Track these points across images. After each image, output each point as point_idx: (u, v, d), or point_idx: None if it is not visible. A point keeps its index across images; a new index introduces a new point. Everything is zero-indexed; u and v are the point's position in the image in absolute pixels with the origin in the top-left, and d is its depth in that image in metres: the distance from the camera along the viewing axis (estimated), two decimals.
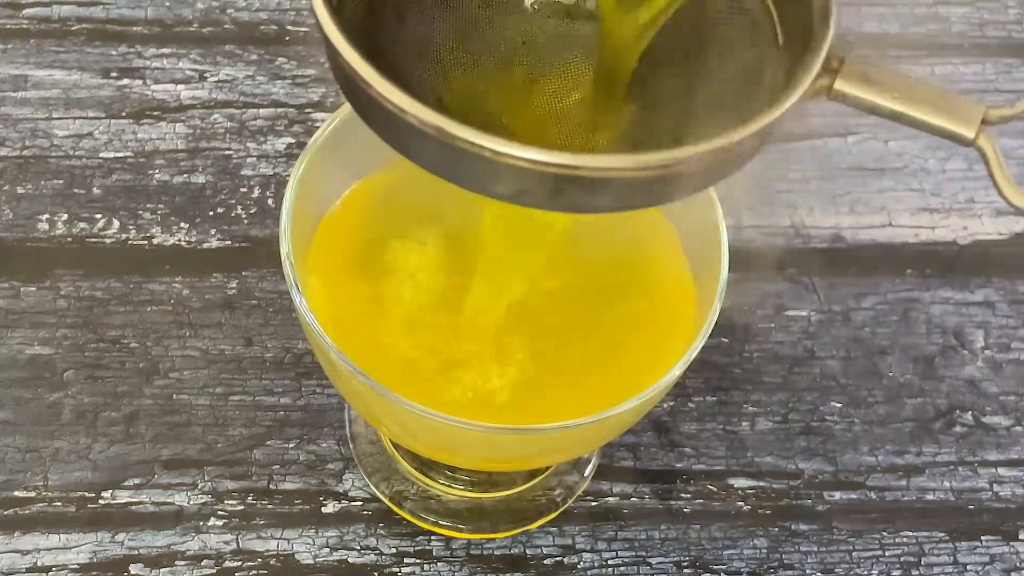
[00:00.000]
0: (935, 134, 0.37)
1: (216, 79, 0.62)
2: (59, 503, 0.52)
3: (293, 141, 0.61)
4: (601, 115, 0.40)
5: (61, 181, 0.59)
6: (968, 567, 0.53)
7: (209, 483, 0.53)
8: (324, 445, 0.54)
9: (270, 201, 0.59)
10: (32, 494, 0.52)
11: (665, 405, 0.56)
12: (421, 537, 0.53)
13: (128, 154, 0.60)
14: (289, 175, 0.47)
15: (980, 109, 0.37)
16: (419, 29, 0.40)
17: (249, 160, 0.60)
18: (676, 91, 0.40)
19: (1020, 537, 0.54)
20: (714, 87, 0.40)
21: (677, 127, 0.39)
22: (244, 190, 0.60)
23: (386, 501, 0.53)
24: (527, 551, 0.53)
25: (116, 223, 0.58)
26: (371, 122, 0.37)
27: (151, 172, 0.60)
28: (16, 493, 0.52)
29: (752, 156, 0.37)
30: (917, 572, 0.53)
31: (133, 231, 0.58)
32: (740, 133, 0.35)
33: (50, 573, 0.51)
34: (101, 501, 0.52)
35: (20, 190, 0.59)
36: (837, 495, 0.55)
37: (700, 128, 0.36)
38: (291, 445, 0.54)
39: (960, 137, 0.37)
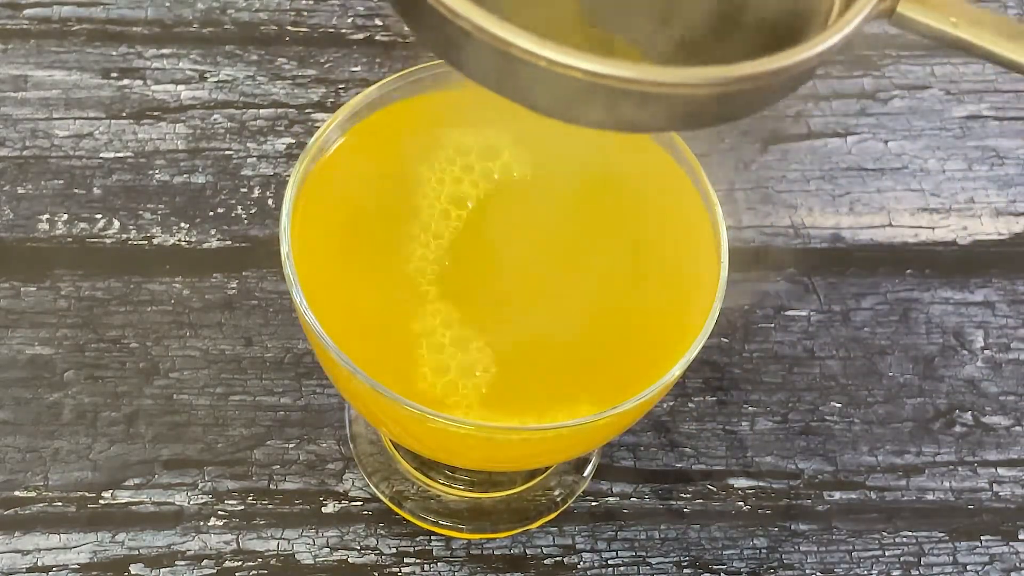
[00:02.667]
0: (999, 64, 0.36)
1: (216, 79, 0.62)
2: (59, 503, 0.52)
3: (293, 141, 0.61)
4: (662, 34, 0.39)
5: (61, 181, 0.59)
6: (968, 567, 0.53)
7: (209, 483, 0.53)
8: (324, 445, 0.54)
9: (270, 201, 0.59)
10: (32, 494, 0.52)
11: (665, 405, 0.56)
12: (421, 537, 0.53)
13: (128, 154, 0.60)
14: (289, 175, 0.47)
15: None
16: None
17: (249, 160, 0.60)
18: (726, 17, 0.39)
19: (1020, 537, 0.54)
20: (773, 8, 0.39)
21: (738, 47, 0.38)
22: (244, 190, 0.60)
23: (386, 501, 0.53)
24: (527, 551, 0.53)
25: (116, 223, 0.58)
26: (420, 29, 0.36)
27: (151, 172, 0.60)
28: (16, 493, 0.52)
29: (809, 79, 0.37)
30: (917, 572, 0.53)
31: (133, 231, 0.58)
32: (807, 50, 0.34)
33: (50, 573, 0.51)
34: (101, 501, 0.52)
35: (20, 190, 0.59)
36: (837, 495, 0.55)
37: (759, 49, 0.35)
38: (291, 445, 0.54)
39: None
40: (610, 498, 0.54)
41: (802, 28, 0.37)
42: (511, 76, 0.35)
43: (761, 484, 0.54)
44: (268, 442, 0.54)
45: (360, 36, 0.64)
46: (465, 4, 0.34)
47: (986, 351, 0.58)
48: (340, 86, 0.62)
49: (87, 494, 0.53)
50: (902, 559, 0.53)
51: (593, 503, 0.54)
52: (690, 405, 0.56)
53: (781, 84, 0.36)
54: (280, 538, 0.52)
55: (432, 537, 0.53)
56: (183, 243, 0.58)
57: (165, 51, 0.63)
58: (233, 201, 0.59)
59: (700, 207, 0.47)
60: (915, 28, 0.36)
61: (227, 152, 0.60)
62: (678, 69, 0.34)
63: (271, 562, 0.52)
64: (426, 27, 0.35)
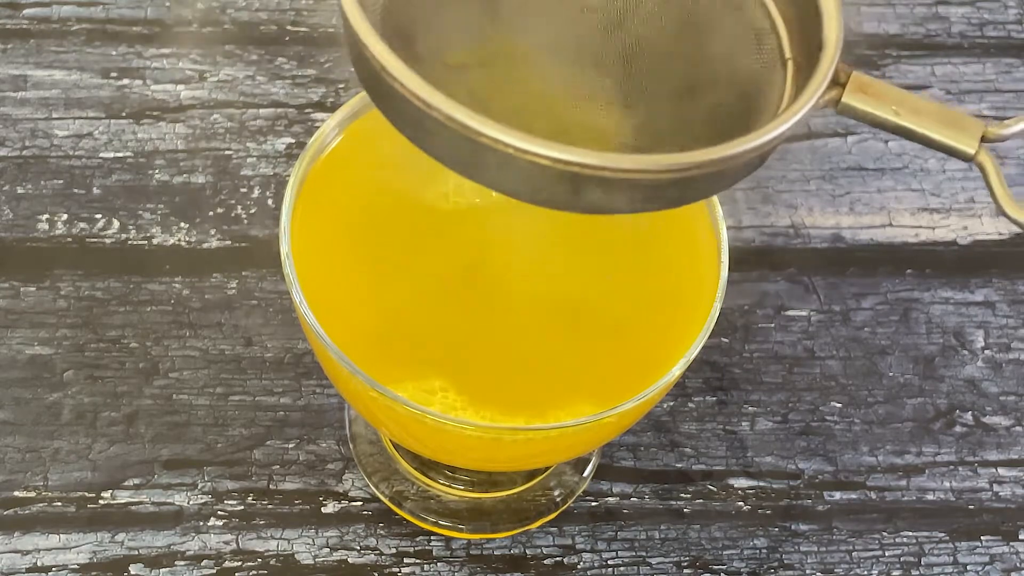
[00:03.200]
0: (938, 149, 0.38)
1: (216, 79, 0.62)
2: (59, 503, 0.52)
3: (293, 141, 0.61)
4: (613, 121, 0.40)
5: (61, 181, 0.59)
6: (968, 567, 0.53)
7: (209, 483, 0.53)
8: (324, 445, 0.54)
9: (270, 201, 0.59)
10: (32, 494, 0.52)
11: (665, 405, 0.56)
12: (421, 537, 0.53)
13: (128, 154, 0.60)
14: (289, 175, 0.47)
15: (980, 126, 0.38)
16: (444, 22, 0.40)
17: (249, 160, 0.60)
18: (681, 102, 0.40)
19: (1020, 537, 0.54)
20: (721, 99, 0.40)
21: (684, 136, 0.39)
22: (244, 190, 0.60)
23: (386, 501, 0.53)
24: (527, 551, 0.53)
25: (116, 223, 0.58)
26: (392, 116, 0.37)
27: (151, 172, 0.60)
28: (16, 493, 0.52)
29: (756, 168, 0.39)
30: (917, 572, 0.53)
31: (133, 231, 0.58)
32: (759, 137, 0.36)
33: (50, 573, 0.51)
34: (101, 501, 0.52)
35: (20, 190, 0.59)
36: (837, 495, 0.55)
37: (707, 139, 0.37)
38: (291, 445, 0.54)
39: (962, 153, 0.38)
40: (610, 498, 0.54)
41: (755, 114, 0.39)
42: (466, 154, 0.36)
43: (761, 484, 0.54)
44: (268, 442, 0.54)
45: None
46: (425, 87, 0.35)
47: (986, 351, 0.58)
48: (340, 86, 0.62)
49: (87, 494, 0.53)
50: (902, 559, 0.53)
51: (593, 503, 0.54)
52: (690, 405, 0.56)
53: (735, 168, 0.37)
54: (280, 538, 0.52)
55: (432, 537, 0.53)
56: (183, 243, 0.58)
57: (165, 51, 0.63)
58: (233, 201, 0.59)
59: (700, 207, 0.47)
60: (859, 115, 0.38)
61: (227, 152, 0.60)
62: (630, 156, 0.36)
63: (271, 562, 0.52)
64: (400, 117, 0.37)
